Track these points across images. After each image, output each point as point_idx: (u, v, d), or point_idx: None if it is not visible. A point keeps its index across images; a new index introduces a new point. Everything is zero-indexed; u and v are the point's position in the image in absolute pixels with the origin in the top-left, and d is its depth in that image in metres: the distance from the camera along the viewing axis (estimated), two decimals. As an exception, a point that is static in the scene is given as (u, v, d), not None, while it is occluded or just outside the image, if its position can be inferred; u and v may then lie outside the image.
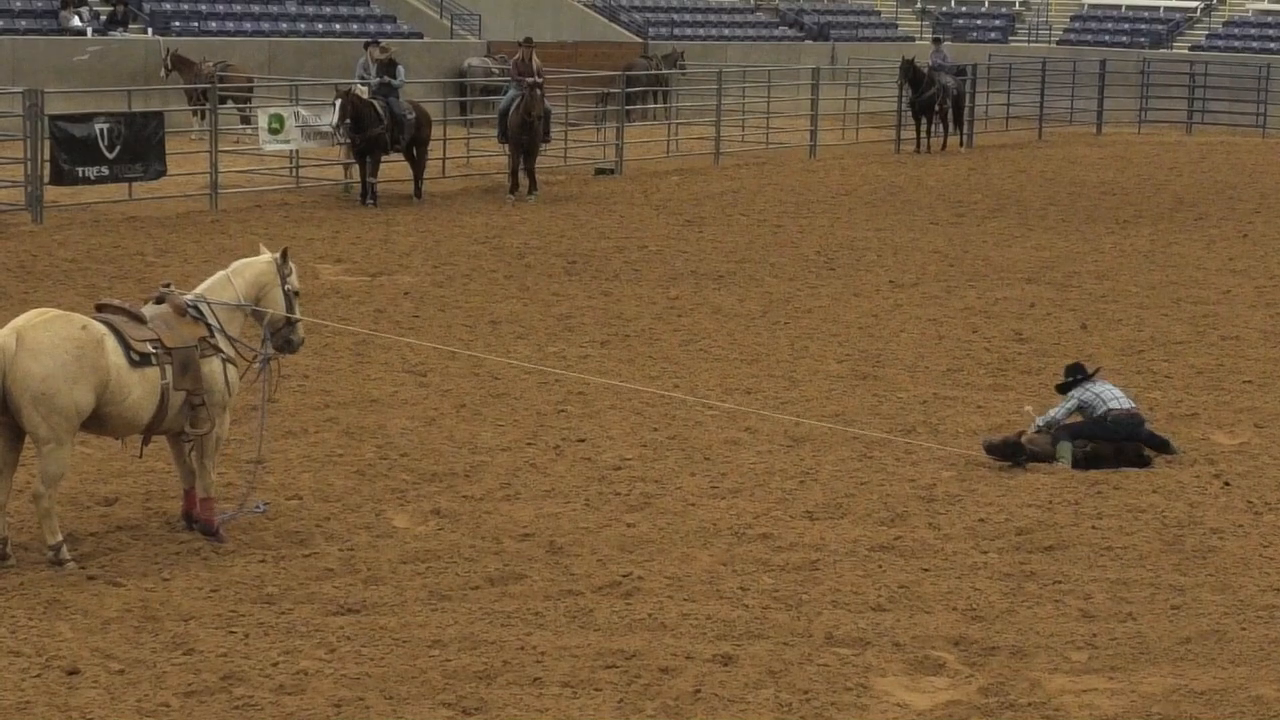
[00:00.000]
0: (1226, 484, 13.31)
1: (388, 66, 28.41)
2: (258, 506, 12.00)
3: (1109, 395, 14.10)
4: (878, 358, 17.67)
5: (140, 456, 12.02)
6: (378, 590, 10.63)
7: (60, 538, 10.88)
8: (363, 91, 27.76)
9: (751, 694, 9.21)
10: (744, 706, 9.08)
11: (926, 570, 11.22)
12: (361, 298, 20.21)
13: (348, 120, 27.30)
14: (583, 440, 14.29)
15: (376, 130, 27.57)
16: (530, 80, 28.85)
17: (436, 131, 30.03)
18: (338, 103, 27.44)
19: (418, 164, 28.54)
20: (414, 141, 28.31)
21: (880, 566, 11.28)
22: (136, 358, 10.92)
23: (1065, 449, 13.82)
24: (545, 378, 16.15)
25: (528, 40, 30.00)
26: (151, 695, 9.04)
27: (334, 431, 14.38)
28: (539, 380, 16.08)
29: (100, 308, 11.43)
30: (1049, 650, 9.92)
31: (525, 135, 28.93)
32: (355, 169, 28.67)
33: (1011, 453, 13.68)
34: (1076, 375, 14.35)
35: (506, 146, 29.62)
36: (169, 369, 11.06)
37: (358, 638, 9.85)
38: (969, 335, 18.92)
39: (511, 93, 29.42)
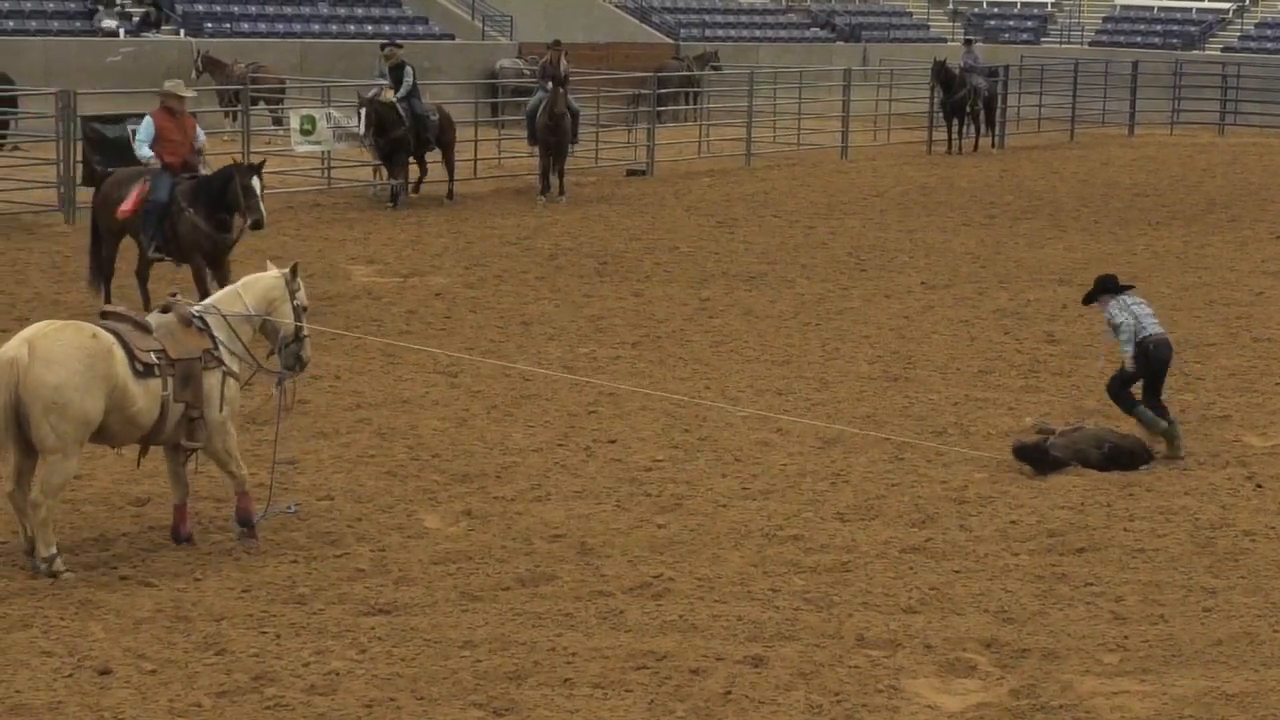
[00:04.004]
0: (1259, 486, 13.26)
1: (397, 69, 28.40)
2: (289, 507, 12.01)
3: (1145, 316, 13.88)
4: (909, 359, 17.63)
5: (138, 466, 11.92)
6: (409, 591, 10.64)
7: (55, 550, 10.71)
8: (389, 95, 27.69)
9: (782, 696, 9.21)
10: (774, 708, 9.07)
11: (958, 572, 11.20)
12: (393, 299, 20.23)
13: (373, 127, 27.38)
14: (613, 441, 14.29)
15: (398, 132, 27.58)
16: (551, 82, 28.95)
17: (468, 133, 30.04)
18: (363, 111, 27.49)
19: (448, 166, 28.56)
20: (438, 144, 28.31)
21: (911, 568, 11.26)
22: (141, 368, 10.82)
23: (1148, 416, 13.77)
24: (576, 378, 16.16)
25: (556, 43, 30.04)
26: (183, 695, 9.06)
27: (366, 432, 14.40)
28: (570, 381, 16.08)
29: (105, 315, 11.28)
30: (1081, 652, 9.89)
31: (553, 136, 28.96)
32: (385, 171, 28.71)
33: (1037, 458, 13.60)
34: (1107, 286, 13.93)
35: (536, 149, 29.73)
36: (170, 380, 10.94)
37: (389, 638, 9.87)
38: (1001, 337, 18.87)
39: (539, 95, 29.48)
